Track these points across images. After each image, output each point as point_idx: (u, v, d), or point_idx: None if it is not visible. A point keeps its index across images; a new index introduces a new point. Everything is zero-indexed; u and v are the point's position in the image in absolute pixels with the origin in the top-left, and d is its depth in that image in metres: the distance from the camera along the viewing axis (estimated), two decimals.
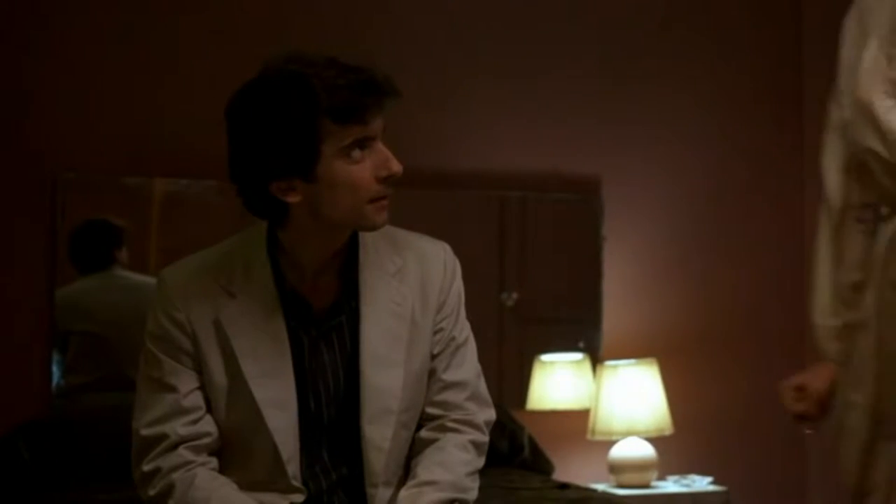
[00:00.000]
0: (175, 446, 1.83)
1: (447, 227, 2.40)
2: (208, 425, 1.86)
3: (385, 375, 1.88)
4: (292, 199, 1.78)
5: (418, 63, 3.48)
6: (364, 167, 1.78)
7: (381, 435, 1.87)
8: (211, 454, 1.88)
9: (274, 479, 1.86)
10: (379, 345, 1.88)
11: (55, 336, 3.28)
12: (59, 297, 3.28)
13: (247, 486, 1.87)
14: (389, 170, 1.80)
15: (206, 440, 1.86)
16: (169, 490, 1.81)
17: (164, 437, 1.83)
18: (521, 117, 3.74)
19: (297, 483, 1.86)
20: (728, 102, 3.96)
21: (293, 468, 1.85)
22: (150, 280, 3.27)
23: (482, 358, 2.00)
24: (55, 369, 3.28)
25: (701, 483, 3.55)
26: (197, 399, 1.86)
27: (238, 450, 1.88)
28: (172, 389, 1.84)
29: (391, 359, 1.89)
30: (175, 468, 1.82)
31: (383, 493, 1.88)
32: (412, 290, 1.93)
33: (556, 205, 3.78)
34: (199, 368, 1.86)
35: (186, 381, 1.85)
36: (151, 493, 1.83)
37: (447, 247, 2.01)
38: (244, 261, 1.88)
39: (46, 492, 2.81)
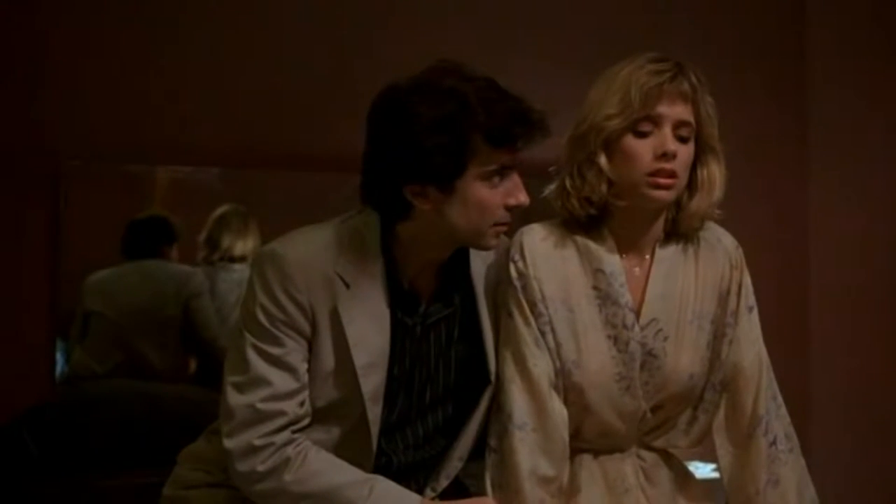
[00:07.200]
0: (289, 424, 1.88)
1: None
2: (309, 406, 1.91)
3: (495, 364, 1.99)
4: (422, 204, 1.82)
5: (422, 47, 3.46)
6: (498, 192, 1.83)
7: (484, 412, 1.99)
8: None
9: (357, 460, 1.92)
10: (494, 337, 1.97)
11: (59, 322, 3.29)
12: (88, 281, 3.32)
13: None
14: (518, 199, 1.85)
15: (306, 420, 1.91)
16: (284, 464, 1.86)
17: (281, 414, 1.87)
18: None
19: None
20: (731, 95, 3.91)
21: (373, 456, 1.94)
22: (163, 263, 3.35)
23: None
24: (59, 356, 3.28)
25: (704, 470, 3.55)
26: (306, 380, 1.90)
27: (323, 433, 1.94)
28: (292, 369, 1.88)
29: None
30: (287, 444, 1.87)
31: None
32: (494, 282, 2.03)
33: None
34: (309, 352, 1.90)
35: (302, 363, 1.89)
36: (261, 468, 1.86)
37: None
38: (358, 249, 1.90)
39: (49, 477, 2.84)
